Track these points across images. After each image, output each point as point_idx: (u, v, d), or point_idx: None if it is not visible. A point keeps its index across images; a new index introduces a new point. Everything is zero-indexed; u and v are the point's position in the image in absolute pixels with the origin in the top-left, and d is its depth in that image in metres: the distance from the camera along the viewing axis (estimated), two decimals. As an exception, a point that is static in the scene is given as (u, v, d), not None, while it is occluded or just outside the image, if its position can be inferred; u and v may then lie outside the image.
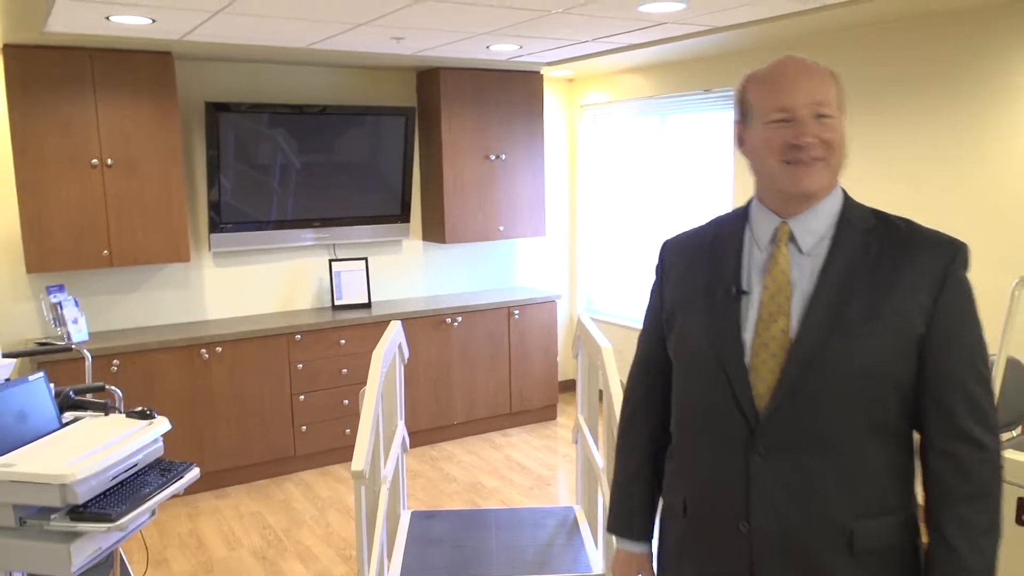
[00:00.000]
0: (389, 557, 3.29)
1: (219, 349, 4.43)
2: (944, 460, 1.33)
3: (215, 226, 4.67)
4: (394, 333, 3.38)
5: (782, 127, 1.34)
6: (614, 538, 1.64)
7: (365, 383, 3.25)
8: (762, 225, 1.43)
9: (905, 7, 3.51)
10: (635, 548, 1.61)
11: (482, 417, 5.37)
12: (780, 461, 1.34)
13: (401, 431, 3.66)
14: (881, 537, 1.34)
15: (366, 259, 5.18)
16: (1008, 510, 2.38)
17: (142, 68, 4.22)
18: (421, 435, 5.15)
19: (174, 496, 2.62)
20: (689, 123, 5.18)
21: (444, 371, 5.17)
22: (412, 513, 3.75)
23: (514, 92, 5.37)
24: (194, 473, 2.75)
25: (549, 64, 5.15)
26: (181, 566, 3.68)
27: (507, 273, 5.93)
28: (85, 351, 3.30)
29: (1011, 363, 2.57)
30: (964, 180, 3.64)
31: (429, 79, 5.21)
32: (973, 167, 3.61)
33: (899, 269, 1.34)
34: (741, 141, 1.45)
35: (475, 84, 5.21)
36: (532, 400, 5.55)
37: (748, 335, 1.38)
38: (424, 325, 5.05)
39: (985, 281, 3.60)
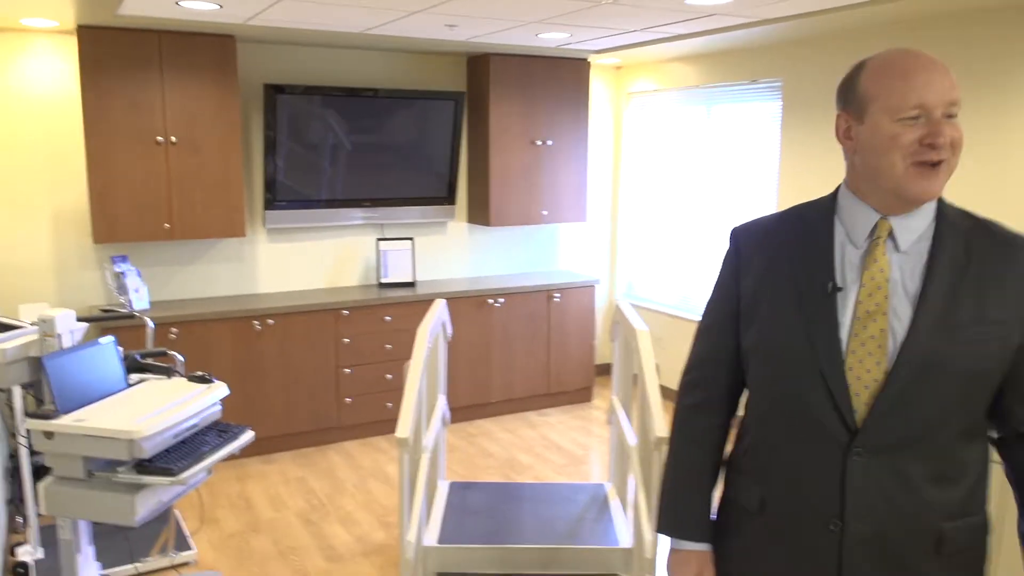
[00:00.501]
0: (427, 523, 3.45)
1: (270, 321, 4.63)
2: None
3: (269, 203, 4.86)
4: (439, 310, 3.52)
5: (914, 124, 1.29)
6: (669, 540, 1.58)
7: (408, 359, 3.40)
8: (857, 219, 1.39)
9: (933, 5, 3.52)
10: (696, 547, 1.55)
11: (519, 397, 5.51)
12: (878, 462, 1.33)
13: (442, 405, 3.81)
14: (966, 538, 1.38)
15: (412, 239, 5.34)
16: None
17: (206, 50, 4.41)
18: (460, 412, 5.30)
19: (225, 460, 2.79)
20: (735, 113, 5.22)
21: (484, 350, 5.31)
22: (450, 484, 3.91)
23: (562, 79, 5.45)
24: (249, 435, 2.94)
25: (597, 52, 5.23)
26: (230, 525, 3.89)
27: (548, 257, 6.04)
28: (147, 319, 3.50)
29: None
30: (982, 176, 3.65)
31: (479, 65, 5.33)
32: (991, 165, 3.61)
33: (1002, 271, 1.34)
34: (847, 134, 1.38)
35: (523, 70, 5.30)
36: (569, 382, 5.67)
37: (844, 333, 1.35)
38: (467, 305, 5.19)
39: None
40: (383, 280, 5.27)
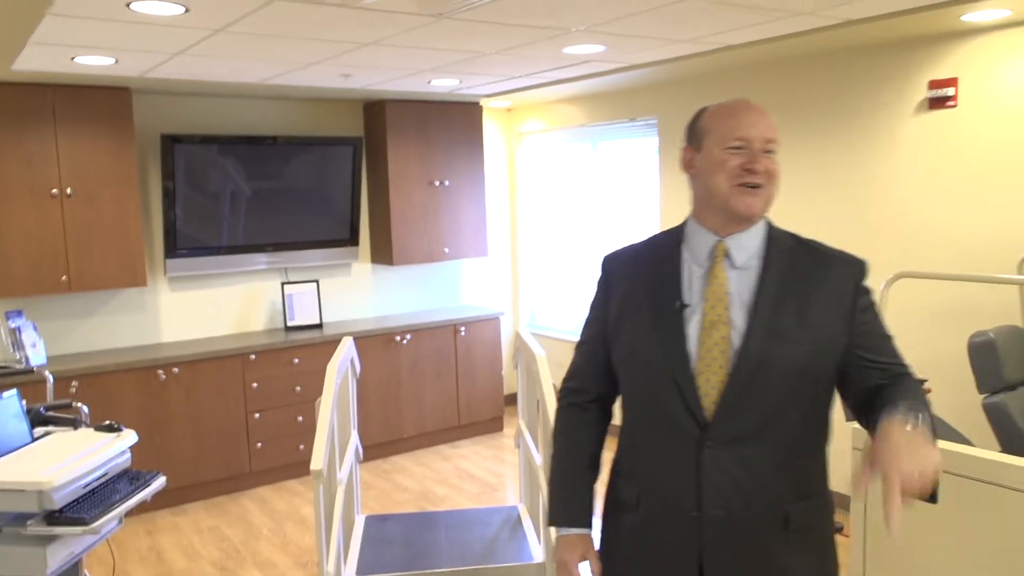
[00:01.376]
0: (345, 557, 3.52)
1: (176, 370, 4.62)
2: (892, 385, 1.52)
3: (170, 252, 4.86)
4: (347, 348, 3.63)
5: (737, 153, 1.52)
6: (553, 529, 1.74)
7: (319, 399, 3.49)
8: (699, 243, 1.60)
9: (792, 49, 3.94)
10: (580, 531, 1.71)
11: (431, 431, 5.62)
12: (726, 454, 1.51)
13: (355, 440, 3.90)
14: (809, 516, 1.56)
15: (317, 281, 5.42)
16: (886, 485, 2.74)
17: (101, 103, 4.43)
18: (373, 449, 5.37)
19: (132, 513, 2.79)
20: (618, 149, 5.57)
21: (394, 387, 5.41)
22: (366, 517, 3.98)
23: (456, 122, 5.69)
24: (161, 481, 2.96)
25: (488, 96, 5.50)
26: (143, 577, 3.85)
27: (453, 292, 6.21)
28: (47, 372, 3.48)
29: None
30: (845, 198, 4.07)
31: (375, 110, 5.50)
32: (852, 187, 4.04)
33: (819, 283, 1.57)
34: (689, 163, 1.62)
35: (419, 115, 5.52)
36: (479, 412, 5.82)
37: (692, 344, 1.54)
38: (374, 343, 5.30)
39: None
40: (290, 323, 5.32)
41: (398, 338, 5.39)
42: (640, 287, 1.65)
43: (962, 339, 3.62)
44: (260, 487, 4.98)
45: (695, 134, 1.62)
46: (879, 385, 1.54)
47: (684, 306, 1.58)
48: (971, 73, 3.59)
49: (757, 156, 1.53)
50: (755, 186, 1.53)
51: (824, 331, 1.54)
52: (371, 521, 3.93)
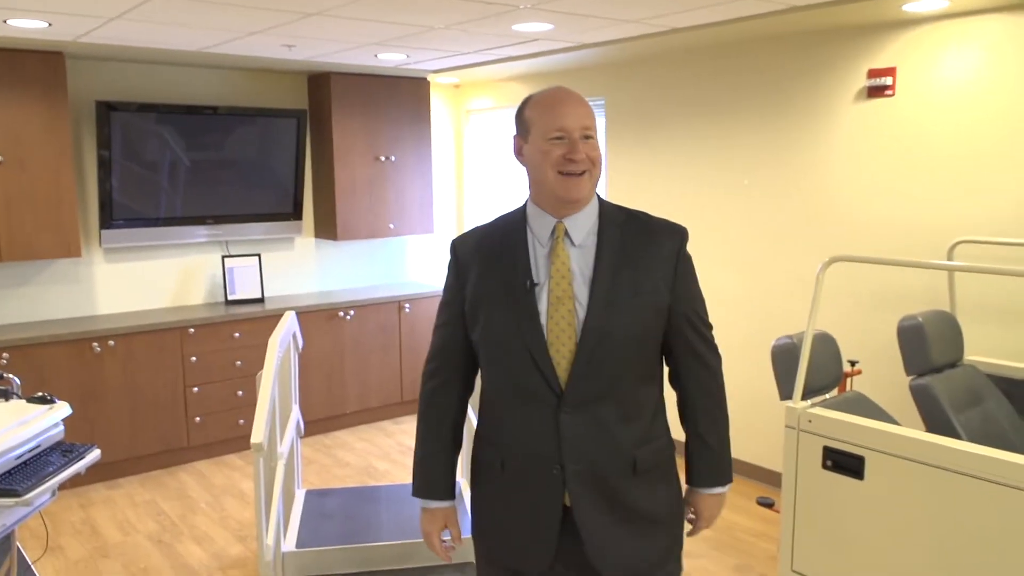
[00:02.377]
0: (285, 531, 3.52)
1: (111, 343, 4.52)
2: (691, 383, 1.82)
3: (106, 223, 4.74)
4: (288, 322, 3.61)
5: (558, 143, 1.65)
6: (420, 501, 1.87)
7: (259, 373, 3.46)
8: (540, 224, 1.73)
9: (736, 33, 4.01)
10: (441, 504, 1.86)
11: (374, 407, 5.62)
12: (580, 416, 1.68)
13: (296, 415, 3.88)
14: (653, 458, 1.76)
15: (259, 255, 5.35)
16: (815, 457, 2.85)
17: (33, 68, 4.27)
18: (315, 424, 5.35)
19: (66, 487, 2.74)
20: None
21: (337, 363, 5.39)
22: (307, 491, 3.98)
23: (403, 97, 5.64)
24: (96, 454, 2.91)
25: (436, 71, 5.46)
26: (76, 552, 3.78)
27: (398, 269, 6.19)
28: (-23, 344, 3.38)
29: (820, 335, 3.05)
30: (783, 183, 4.18)
31: (320, 83, 5.43)
32: (790, 172, 4.15)
33: (648, 252, 1.73)
34: (519, 152, 1.75)
35: (365, 89, 5.45)
36: (422, 389, 5.82)
37: (544, 319, 1.68)
38: (318, 318, 5.26)
39: (801, 265, 4.15)
40: (230, 297, 5.24)
41: (341, 313, 5.36)
42: (492, 268, 1.75)
43: (892, 323, 3.76)
44: (198, 461, 4.92)
45: (522, 125, 1.73)
46: (687, 386, 1.82)
47: (534, 284, 1.70)
48: (909, 63, 3.70)
49: (577, 144, 1.65)
50: (578, 173, 1.66)
51: (654, 296, 1.71)
52: (311, 495, 3.94)
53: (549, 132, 1.66)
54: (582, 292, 1.68)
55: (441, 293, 1.89)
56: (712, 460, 1.84)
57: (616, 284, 1.68)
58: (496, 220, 1.85)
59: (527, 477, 1.73)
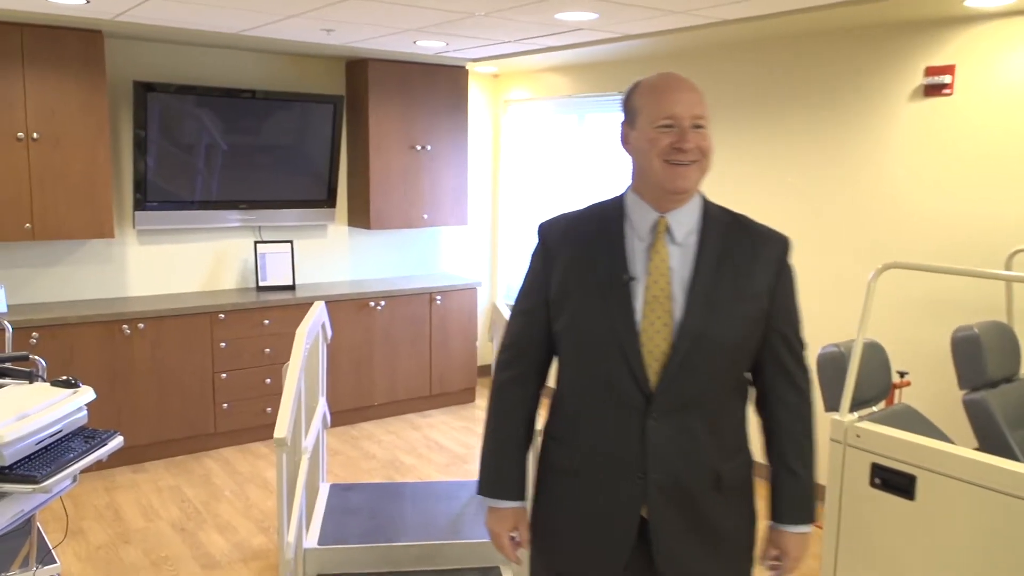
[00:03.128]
0: (307, 526, 3.45)
1: (141, 326, 4.49)
2: (780, 408, 1.70)
3: (140, 204, 4.71)
4: (317, 312, 3.53)
5: (667, 131, 1.55)
6: (488, 500, 1.76)
7: (287, 364, 3.40)
8: (641, 217, 1.63)
9: (788, 27, 3.85)
10: (512, 504, 1.75)
11: (402, 399, 5.55)
12: (668, 423, 1.58)
13: (322, 407, 3.81)
14: (737, 475, 1.67)
15: (292, 242, 5.29)
16: (862, 474, 2.71)
17: (72, 45, 4.24)
18: (342, 415, 5.29)
19: (90, 469, 2.71)
20: (605, 121, 5.46)
21: (366, 353, 5.32)
22: (331, 486, 3.91)
23: (440, 85, 5.55)
24: (118, 441, 2.86)
25: (474, 60, 5.35)
26: (98, 536, 3.76)
27: (430, 260, 6.11)
28: (5, 322, 3.35)
29: (869, 345, 2.90)
30: (831, 183, 4.01)
31: (358, 69, 5.35)
32: (839, 172, 3.98)
33: (750, 258, 1.63)
34: (625, 140, 1.65)
35: (402, 76, 5.37)
36: (452, 383, 5.75)
37: (638, 316, 1.58)
38: (348, 308, 5.20)
39: (848, 269, 3.98)
40: (262, 283, 5.20)
41: (372, 304, 5.29)
42: (584, 257, 1.65)
43: (943, 332, 3.59)
44: (224, 448, 4.89)
45: (629, 111, 1.64)
46: (776, 411, 1.71)
47: (631, 279, 1.60)
48: (969, 61, 3.52)
49: (687, 133, 1.56)
50: (686, 164, 1.56)
51: (755, 304, 1.62)
52: (335, 490, 3.87)
53: (657, 119, 1.56)
54: (680, 292, 1.60)
55: (523, 279, 1.76)
56: (800, 494, 1.71)
57: (717, 287, 1.60)
58: (589, 207, 1.73)
59: (604, 483, 1.63)
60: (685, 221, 1.63)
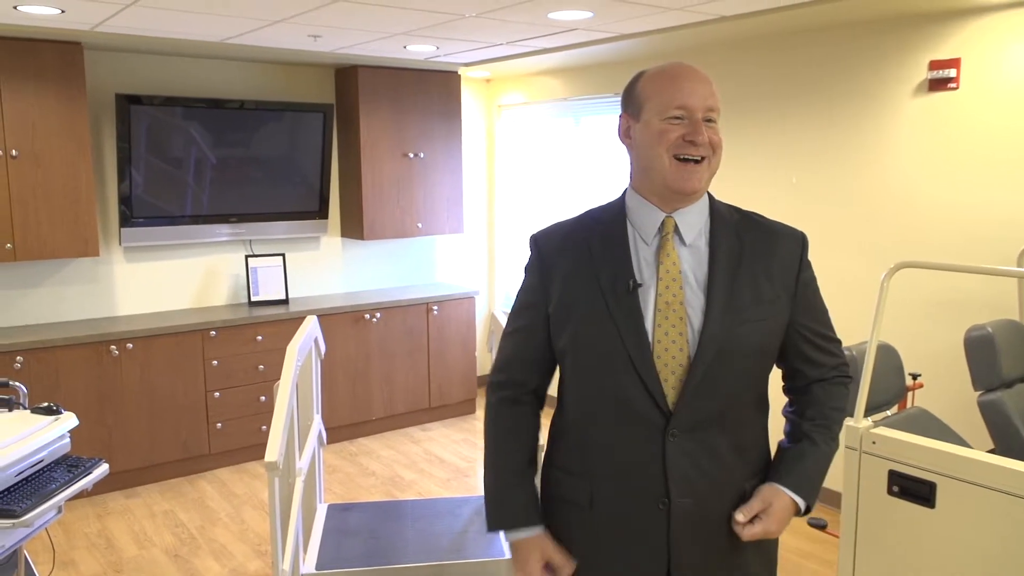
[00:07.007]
0: (305, 549, 3.32)
1: (130, 346, 4.37)
2: (822, 390, 1.59)
3: (126, 220, 4.59)
4: (310, 327, 3.41)
5: (678, 124, 1.43)
6: (504, 533, 1.59)
7: (279, 382, 3.28)
8: (645, 218, 1.50)
9: (788, 22, 3.74)
10: (531, 532, 1.56)
11: (401, 412, 5.43)
12: (691, 442, 1.45)
13: (318, 425, 3.69)
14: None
15: (283, 255, 5.17)
16: (879, 482, 2.60)
17: (50, 58, 4.13)
18: (339, 431, 5.17)
19: (81, 496, 2.60)
20: (601, 124, 5.35)
21: (363, 367, 5.20)
22: (328, 506, 3.78)
23: (432, 91, 5.44)
24: (103, 469, 2.74)
25: (466, 65, 5.25)
26: (89, 567, 3.63)
27: (426, 270, 5.99)
28: (-13, 347, 3.23)
29: (881, 347, 2.79)
30: (836, 181, 3.91)
31: (347, 77, 5.24)
32: (844, 170, 3.87)
33: (767, 257, 1.51)
34: (627, 132, 1.51)
35: (393, 82, 5.26)
36: (451, 395, 5.63)
37: (649, 325, 1.44)
38: (343, 321, 5.08)
39: (855, 269, 3.88)
40: (254, 298, 5.08)
41: (368, 316, 5.17)
42: (585, 266, 1.51)
43: (955, 331, 3.48)
44: (219, 469, 4.76)
45: (632, 101, 1.50)
46: (816, 394, 1.59)
47: (638, 285, 1.47)
48: (974, 54, 3.42)
49: (699, 125, 1.44)
50: (697, 160, 1.44)
51: (776, 306, 1.51)
52: (333, 511, 3.73)
53: (667, 110, 1.43)
54: (696, 298, 1.46)
55: (516, 296, 1.62)
56: (812, 466, 1.54)
57: (736, 291, 1.47)
58: (586, 213, 1.60)
59: (625, 515, 1.48)
60: (694, 221, 1.50)
